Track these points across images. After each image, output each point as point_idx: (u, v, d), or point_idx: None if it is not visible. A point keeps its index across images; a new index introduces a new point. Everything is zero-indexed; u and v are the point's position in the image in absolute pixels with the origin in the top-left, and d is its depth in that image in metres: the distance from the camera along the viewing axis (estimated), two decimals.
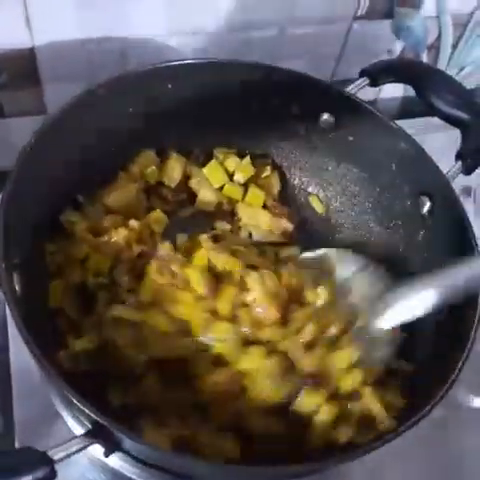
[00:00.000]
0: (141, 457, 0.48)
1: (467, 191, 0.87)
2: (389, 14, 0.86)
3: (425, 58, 0.92)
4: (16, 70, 0.75)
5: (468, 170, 0.61)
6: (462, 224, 0.57)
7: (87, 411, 0.40)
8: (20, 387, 0.64)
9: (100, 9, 0.71)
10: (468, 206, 0.69)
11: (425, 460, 0.67)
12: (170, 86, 0.66)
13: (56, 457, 0.39)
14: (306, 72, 0.67)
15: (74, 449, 0.40)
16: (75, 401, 0.40)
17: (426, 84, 0.67)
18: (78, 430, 0.59)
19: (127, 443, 0.41)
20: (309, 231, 0.75)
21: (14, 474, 0.37)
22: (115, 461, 0.58)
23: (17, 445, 0.60)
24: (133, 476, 0.58)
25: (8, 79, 0.76)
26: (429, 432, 0.63)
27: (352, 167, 0.72)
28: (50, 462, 0.38)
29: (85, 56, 0.76)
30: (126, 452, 0.46)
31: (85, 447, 0.41)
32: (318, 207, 0.76)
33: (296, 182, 0.77)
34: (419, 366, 0.58)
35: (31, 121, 0.81)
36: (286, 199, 0.76)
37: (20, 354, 0.65)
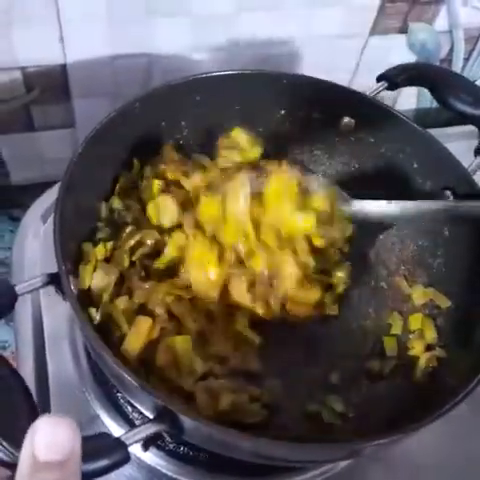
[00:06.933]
0: (199, 443, 0.50)
1: None
2: (403, 29, 0.90)
3: None
4: (47, 85, 0.78)
5: None
6: None
7: (156, 399, 0.42)
8: (57, 390, 0.66)
9: (129, 27, 0.74)
10: None
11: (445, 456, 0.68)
12: (198, 98, 0.68)
13: (128, 442, 0.41)
14: None
15: (144, 434, 0.43)
16: (146, 392, 0.43)
17: (441, 85, 0.70)
18: (116, 429, 0.62)
19: (191, 426, 0.44)
20: None
21: (93, 458, 0.39)
22: (151, 458, 0.61)
23: None
24: (168, 472, 0.61)
25: (39, 94, 0.78)
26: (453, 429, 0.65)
27: (374, 168, 0.74)
28: (124, 446, 0.41)
29: (113, 72, 0.79)
30: (171, 444, 0.47)
31: (153, 432, 0.43)
32: None
33: None
34: None
35: (60, 134, 0.85)
36: None
37: (57, 356, 0.68)
